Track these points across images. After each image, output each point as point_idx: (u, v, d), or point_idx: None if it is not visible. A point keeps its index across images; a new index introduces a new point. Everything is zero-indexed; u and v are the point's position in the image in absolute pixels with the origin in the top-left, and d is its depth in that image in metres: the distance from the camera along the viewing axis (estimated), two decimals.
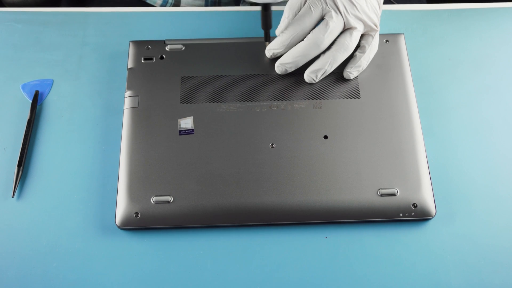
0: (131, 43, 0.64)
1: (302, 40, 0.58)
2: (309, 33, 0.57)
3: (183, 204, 0.54)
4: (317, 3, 0.57)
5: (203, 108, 0.59)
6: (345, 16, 0.57)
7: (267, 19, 0.58)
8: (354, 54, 0.60)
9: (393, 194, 0.54)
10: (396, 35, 0.64)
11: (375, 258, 0.53)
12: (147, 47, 0.63)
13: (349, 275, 0.53)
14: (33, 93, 0.62)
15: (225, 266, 0.53)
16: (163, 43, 0.63)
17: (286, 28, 0.58)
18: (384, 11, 0.68)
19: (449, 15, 0.69)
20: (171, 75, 0.61)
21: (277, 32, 0.60)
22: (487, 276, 0.53)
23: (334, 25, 0.57)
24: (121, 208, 0.54)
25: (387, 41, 0.64)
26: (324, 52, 0.58)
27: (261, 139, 0.57)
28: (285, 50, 0.59)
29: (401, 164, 0.56)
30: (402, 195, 0.54)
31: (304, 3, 0.58)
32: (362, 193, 0.54)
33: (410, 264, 0.53)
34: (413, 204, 0.54)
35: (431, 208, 0.54)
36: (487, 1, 0.71)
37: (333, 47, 0.58)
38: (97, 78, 0.64)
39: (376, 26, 0.60)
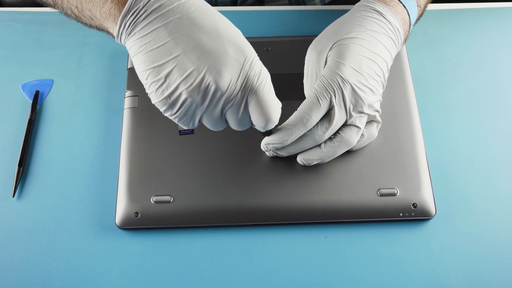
0: None
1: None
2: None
3: (183, 204, 0.54)
4: (326, 96, 0.50)
5: None
6: (349, 113, 0.51)
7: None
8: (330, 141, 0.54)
9: (393, 194, 0.54)
10: None
11: (375, 258, 0.53)
12: None
13: (349, 275, 0.53)
14: (33, 93, 0.62)
15: (225, 266, 0.53)
16: None
17: (290, 121, 0.51)
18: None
19: (449, 15, 0.69)
20: None
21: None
22: (487, 275, 0.53)
23: (337, 121, 0.51)
24: (121, 208, 0.54)
25: None
26: (324, 143, 0.53)
27: (261, 139, 0.57)
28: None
29: (401, 164, 0.56)
30: (402, 195, 0.54)
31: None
32: (362, 193, 0.54)
33: (410, 264, 0.53)
34: (413, 204, 0.54)
35: (431, 208, 0.54)
36: (487, 1, 0.71)
37: (336, 141, 0.53)
38: (97, 78, 0.64)
39: (378, 112, 0.54)
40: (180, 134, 0.58)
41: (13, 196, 0.57)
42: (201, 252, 0.54)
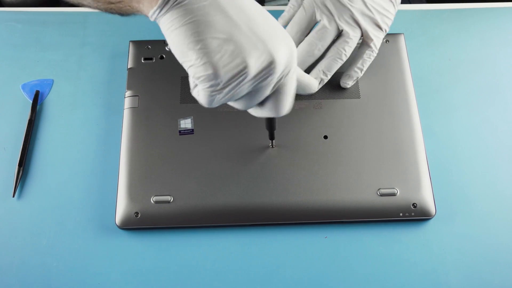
0: (131, 43, 0.64)
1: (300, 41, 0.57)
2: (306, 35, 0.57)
3: (183, 204, 0.54)
4: (310, 6, 0.56)
5: (203, 108, 0.58)
6: (338, 21, 0.56)
7: (272, 122, 0.54)
8: (350, 63, 0.59)
9: (393, 194, 0.54)
10: (396, 35, 0.64)
11: (375, 258, 0.53)
12: (147, 47, 0.63)
13: (349, 275, 0.53)
14: (33, 93, 0.62)
15: (225, 266, 0.53)
16: (163, 43, 0.63)
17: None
18: None
19: (449, 15, 0.69)
20: (171, 75, 0.61)
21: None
22: (487, 275, 0.53)
23: (326, 29, 0.56)
24: (121, 208, 0.54)
25: (387, 41, 0.64)
26: (319, 59, 0.57)
27: (261, 139, 0.57)
28: None
29: (401, 164, 0.56)
30: (402, 195, 0.54)
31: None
32: (362, 193, 0.54)
33: (410, 264, 0.53)
34: (413, 204, 0.54)
35: (431, 208, 0.54)
36: (487, 1, 0.71)
37: (328, 55, 0.57)
38: (97, 78, 0.64)
39: (380, 28, 0.57)
40: (180, 134, 0.58)
41: (13, 196, 0.57)
42: (201, 252, 0.54)
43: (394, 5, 0.57)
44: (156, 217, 0.54)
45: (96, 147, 0.59)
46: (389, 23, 0.58)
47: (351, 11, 0.56)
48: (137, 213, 0.54)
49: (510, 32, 0.68)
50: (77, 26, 0.68)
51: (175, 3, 0.41)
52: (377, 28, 0.57)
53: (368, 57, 0.58)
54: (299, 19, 0.57)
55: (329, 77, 0.58)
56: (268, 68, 0.42)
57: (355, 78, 0.59)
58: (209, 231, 0.55)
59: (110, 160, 0.58)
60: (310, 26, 0.58)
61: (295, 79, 0.45)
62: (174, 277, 0.53)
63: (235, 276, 0.53)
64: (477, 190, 0.57)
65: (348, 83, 0.60)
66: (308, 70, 0.57)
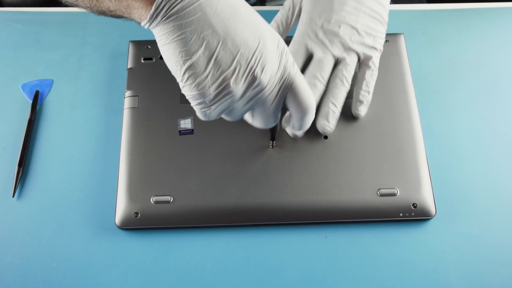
0: (131, 43, 0.64)
1: None
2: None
3: (183, 204, 0.54)
4: (302, 38, 0.56)
5: None
6: (332, 50, 0.56)
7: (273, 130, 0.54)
8: (356, 89, 0.58)
9: (393, 194, 0.54)
10: (396, 35, 0.64)
11: (375, 258, 0.53)
12: (147, 47, 0.63)
13: (349, 275, 0.53)
14: (33, 93, 0.62)
15: (225, 266, 0.53)
16: None
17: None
18: None
19: (449, 15, 0.69)
20: (171, 75, 0.61)
21: None
22: (487, 275, 0.53)
23: (322, 60, 0.55)
24: (121, 208, 0.54)
25: (387, 41, 0.64)
26: (325, 92, 0.56)
27: (261, 139, 0.57)
28: None
29: (401, 164, 0.56)
30: (402, 195, 0.54)
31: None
32: (362, 193, 0.54)
33: (410, 264, 0.53)
34: (413, 204, 0.54)
35: (431, 208, 0.54)
36: (487, 1, 0.71)
37: (330, 85, 0.56)
38: (97, 78, 0.64)
39: (375, 48, 0.57)
40: (180, 134, 0.58)
41: (13, 196, 0.57)
42: (201, 252, 0.54)
43: (382, 24, 0.58)
44: (156, 217, 0.54)
45: (96, 147, 0.59)
46: (382, 42, 0.58)
47: (342, 38, 0.56)
48: (137, 213, 0.54)
49: (510, 32, 0.68)
50: (77, 26, 0.68)
51: (164, 19, 0.40)
52: (372, 49, 0.57)
53: (371, 77, 0.57)
54: (293, 54, 0.56)
55: (339, 108, 0.56)
56: (253, 85, 0.42)
57: (365, 102, 0.57)
58: (209, 231, 0.55)
59: (110, 160, 0.58)
60: (306, 57, 0.57)
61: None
62: (174, 277, 0.53)
63: (235, 276, 0.53)
64: (477, 190, 0.57)
65: (360, 109, 0.57)
66: (318, 106, 0.56)
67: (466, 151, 0.59)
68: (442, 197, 0.56)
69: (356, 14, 0.56)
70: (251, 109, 0.46)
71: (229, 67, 0.41)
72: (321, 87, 0.56)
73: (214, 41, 0.41)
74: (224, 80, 0.41)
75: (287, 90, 0.45)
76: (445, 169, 0.58)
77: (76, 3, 0.47)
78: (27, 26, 0.68)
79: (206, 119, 0.46)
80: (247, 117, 0.50)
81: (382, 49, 0.58)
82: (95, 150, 0.59)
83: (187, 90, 0.43)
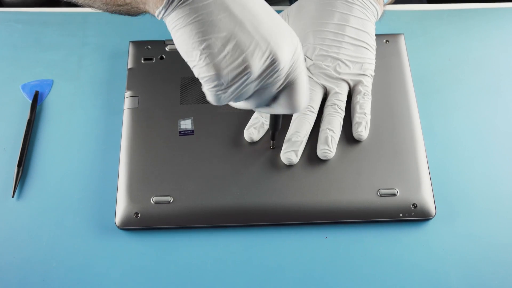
0: (131, 43, 0.64)
1: None
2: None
3: (183, 204, 0.54)
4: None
5: (203, 109, 0.59)
6: (319, 82, 0.57)
7: (276, 122, 0.54)
8: (351, 114, 0.58)
9: (393, 194, 0.54)
10: (396, 35, 0.64)
11: (375, 258, 0.53)
12: (147, 47, 0.63)
13: (349, 275, 0.52)
14: (33, 93, 0.62)
15: (225, 266, 0.53)
16: (163, 43, 0.63)
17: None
18: (384, 11, 0.68)
19: (449, 15, 0.69)
20: (171, 75, 0.61)
21: None
22: (487, 275, 0.53)
23: (312, 91, 0.56)
24: (121, 208, 0.54)
25: (387, 41, 0.64)
26: (321, 123, 0.57)
27: (261, 139, 0.57)
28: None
29: (401, 164, 0.56)
30: (402, 195, 0.54)
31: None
32: (362, 193, 0.54)
33: (410, 264, 0.53)
34: (413, 204, 0.54)
35: (431, 208, 0.54)
36: (487, 1, 0.71)
37: (324, 114, 0.57)
38: (97, 78, 0.64)
39: (364, 75, 0.58)
40: (180, 135, 0.58)
41: (13, 197, 0.56)
42: (201, 252, 0.54)
43: (369, 50, 0.58)
44: (156, 218, 0.54)
45: (96, 148, 0.59)
46: (371, 67, 0.58)
47: (327, 70, 0.57)
48: (137, 213, 0.54)
49: (510, 32, 0.68)
50: (77, 26, 0.68)
51: (180, 3, 0.41)
52: (360, 75, 0.57)
53: (363, 100, 0.57)
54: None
55: (337, 133, 0.56)
56: (272, 67, 0.42)
57: (363, 123, 0.57)
58: (209, 232, 0.55)
59: (110, 160, 0.58)
60: None
61: (305, 73, 0.45)
62: (174, 277, 0.52)
63: (235, 276, 0.53)
64: (478, 190, 0.57)
65: (359, 130, 0.57)
66: (316, 135, 0.57)
67: (466, 151, 0.59)
68: (442, 197, 0.56)
69: (337, 45, 0.57)
70: (264, 91, 0.45)
71: (248, 47, 0.41)
72: (312, 116, 0.56)
73: (232, 22, 0.41)
74: (244, 61, 0.41)
75: (295, 76, 0.44)
76: (445, 169, 0.58)
77: (91, 3, 0.48)
78: (27, 26, 0.68)
79: (217, 104, 0.45)
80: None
81: (372, 73, 0.59)
82: (95, 150, 0.59)
83: (204, 71, 0.42)
